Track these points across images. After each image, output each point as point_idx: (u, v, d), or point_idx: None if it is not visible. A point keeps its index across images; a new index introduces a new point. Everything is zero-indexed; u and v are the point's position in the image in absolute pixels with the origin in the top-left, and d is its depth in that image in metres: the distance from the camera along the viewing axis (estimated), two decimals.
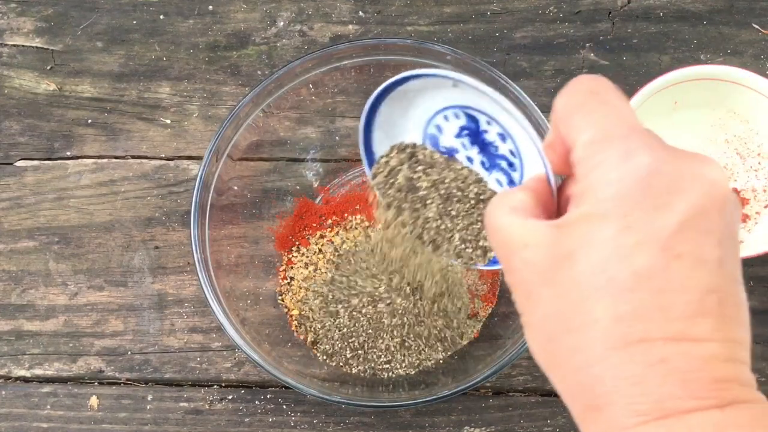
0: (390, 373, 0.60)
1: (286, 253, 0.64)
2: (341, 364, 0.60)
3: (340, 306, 0.61)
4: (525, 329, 0.32)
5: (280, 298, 0.63)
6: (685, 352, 0.28)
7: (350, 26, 0.71)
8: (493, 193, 0.44)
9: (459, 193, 0.44)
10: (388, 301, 0.60)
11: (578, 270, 0.29)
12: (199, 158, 0.68)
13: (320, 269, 0.63)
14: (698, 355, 0.28)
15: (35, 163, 0.69)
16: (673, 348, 0.28)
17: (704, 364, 0.28)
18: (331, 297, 0.61)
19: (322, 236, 0.64)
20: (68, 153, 0.69)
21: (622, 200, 0.29)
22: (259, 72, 0.70)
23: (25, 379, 0.64)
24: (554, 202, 0.35)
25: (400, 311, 0.59)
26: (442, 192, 0.44)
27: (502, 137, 0.43)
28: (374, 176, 0.46)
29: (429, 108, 0.45)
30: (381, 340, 0.60)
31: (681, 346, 0.28)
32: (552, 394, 0.62)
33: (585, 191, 0.30)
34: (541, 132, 0.53)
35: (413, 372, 0.60)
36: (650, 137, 0.31)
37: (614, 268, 0.29)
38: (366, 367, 0.60)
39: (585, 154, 0.31)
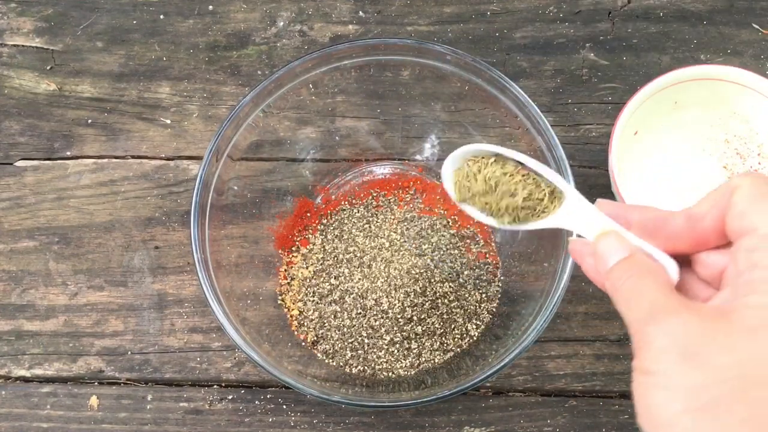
0: (390, 373, 0.60)
1: (286, 253, 0.64)
2: (341, 364, 0.60)
3: (338, 306, 0.61)
4: (658, 391, 0.31)
5: (280, 298, 0.63)
6: None
7: (350, 26, 0.71)
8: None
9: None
10: (386, 301, 0.60)
11: (761, 349, 0.30)
12: (199, 158, 0.68)
13: (319, 269, 0.63)
14: None
15: (35, 163, 0.69)
16: None
17: None
18: (329, 296, 0.61)
19: (322, 235, 0.64)
20: (68, 153, 0.69)
21: None
22: (259, 72, 0.70)
23: (25, 379, 0.64)
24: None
25: (398, 311, 0.59)
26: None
27: None
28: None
29: None
30: (381, 340, 0.60)
31: None
32: (552, 394, 0.62)
33: (761, 281, 0.31)
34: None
35: (413, 372, 0.60)
36: None
37: None
38: (366, 367, 0.60)
39: (764, 245, 0.32)
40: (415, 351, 0.60)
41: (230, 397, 0.62)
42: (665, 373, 0.31)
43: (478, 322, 0.61)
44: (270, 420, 0.62)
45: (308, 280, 0.62)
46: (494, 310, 0.62)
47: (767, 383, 0.29)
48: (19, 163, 0.69)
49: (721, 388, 0.29)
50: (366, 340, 0.60)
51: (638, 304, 0.34)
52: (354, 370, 0.60)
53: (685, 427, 0.29)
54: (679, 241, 0.36)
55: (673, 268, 0.37)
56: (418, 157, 0.67)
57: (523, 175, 0.46)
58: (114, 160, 0.68)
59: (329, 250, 0.63)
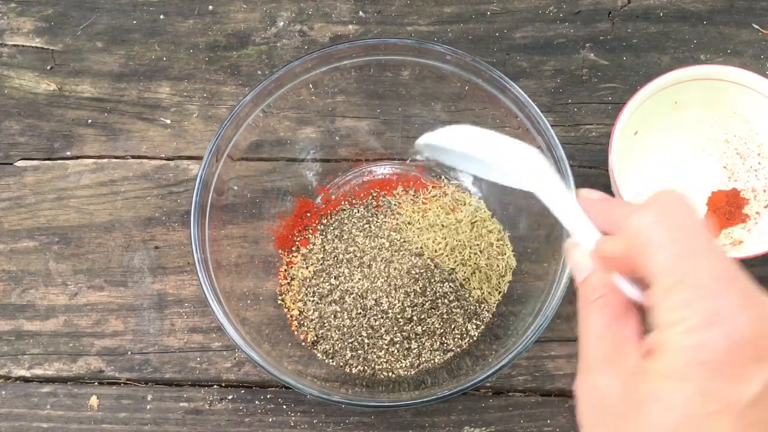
0: (390, 373, 0.60)
1: (286, 253, 0.64)
2: (341, 364, 0.60)
3: (338, 306, 0.61)
4: None
5: (280, 298, 0.63)
6: None
7: (350, 26, 0.71)
8: None
9: None
10: (386, 301, 0.60)
11: (648, 423, 0.30)
12: (199, 158, 0.68)
13: (319, 269, 0.63)
14: None
15: (35, 163, 0.69)
16: None
17: None
18: (329, 296, 0.61)
19: (322, 235, 0.64)
20: (68, 153, 0.69)
21: (703, 366, 0.29)
22: (259, 72, 0.70)
23: (25, 379, 0.64)
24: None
25: (398, 311, 0.59)
26: None
27: None
28: None
29: None
30: (381, 340, 0.60)
31: None
32: (552, 394, 0.62)
33: (664, 344, 0.30)
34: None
35: (413, 372, 0.60)
36: (735, 292, 0.30)
37: None
38: (366, 367, 0.60)
39: (666, 302, 0.31)
40: (415, 351, 0.60)
41: (230, 397, 0.62)
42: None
43: (478, 322, 0.61)
44: (270, 420, 0.62)
45: (308, 280, 0.62)
46: (494, 310, 0.62)
47: None
48: (19, 163, 0.69)
49: None
50: (366, 340, 0.60)
51: (580, 348, 0.34)
52: (354, 370, 0.60)
53: None
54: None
55: (626, 287, 0.35)
56: (418, 157, 0.66)
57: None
58: (114, 160, 0.68)
59: (329, 250, 0.63)
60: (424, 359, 0.60)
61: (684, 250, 0.31)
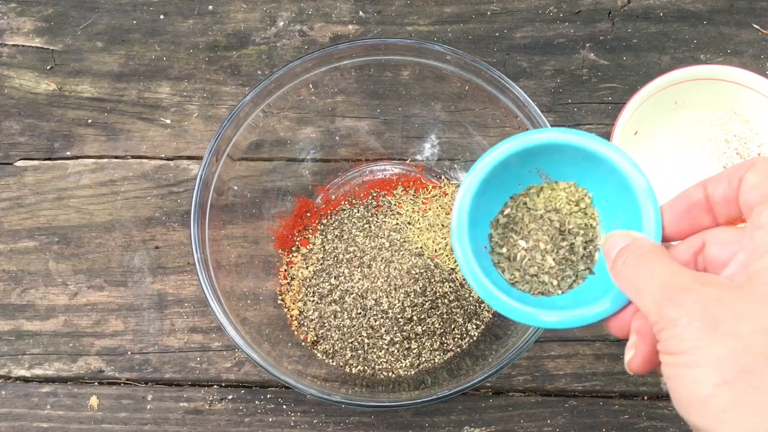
0: (390, 373, 0.60)
1: (286, 253, 0.64)
2: (341, 364, 0.60)
3: (338, 306, 0.61)
4: (690, 368, 0.30)
5: (280, 298, 0.63)
6: None
7: (350, 26, 0.71)
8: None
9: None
10: (387, 301, 0.60)
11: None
12: (199, 158, 0.68)
13: (319, 269, 0.63)
14: None
15: (35, 163, 0.69)
16: None
17: None
18: (329, 296, 0.61)
19: (322, 235, 0.64)
20: (68, 153, 0.69)
21: None
22: (259, 72, 0.70)
23: (25, 379, 0.64)
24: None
25: (398, 311, 0.59)
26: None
27: None
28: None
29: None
30: (381, 340, 0.60)
31: None
32: (552, 394, 0.62)
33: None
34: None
35: (413, 372, 0.60)
36: None
37: None
38: (366, 367, 0.60)
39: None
40: (415, 351, 0.60)
41: (230, 397, 0.62)
42: (693, 350, 0.30)
43: (478, 322, 0.61)
44: (270, 420, 0.62)
45: (308, 280, 0.62)
46: (494, 310, 0.62)
47: None
48: (19, 163, 0.69)
49: (750, 355, 0.29)
50: (366, 340, 0.60)
51: (649, 289, 0.33)
52: (354, 370, 0.60)
53: (723, 398, 0.29)
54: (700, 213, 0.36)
55: None
56: (418, 157, 0.67)
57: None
58: (114, 160, 0.68)
59: (329, 250, 0.63)
60: (424, 359, 0.60)
61: None
